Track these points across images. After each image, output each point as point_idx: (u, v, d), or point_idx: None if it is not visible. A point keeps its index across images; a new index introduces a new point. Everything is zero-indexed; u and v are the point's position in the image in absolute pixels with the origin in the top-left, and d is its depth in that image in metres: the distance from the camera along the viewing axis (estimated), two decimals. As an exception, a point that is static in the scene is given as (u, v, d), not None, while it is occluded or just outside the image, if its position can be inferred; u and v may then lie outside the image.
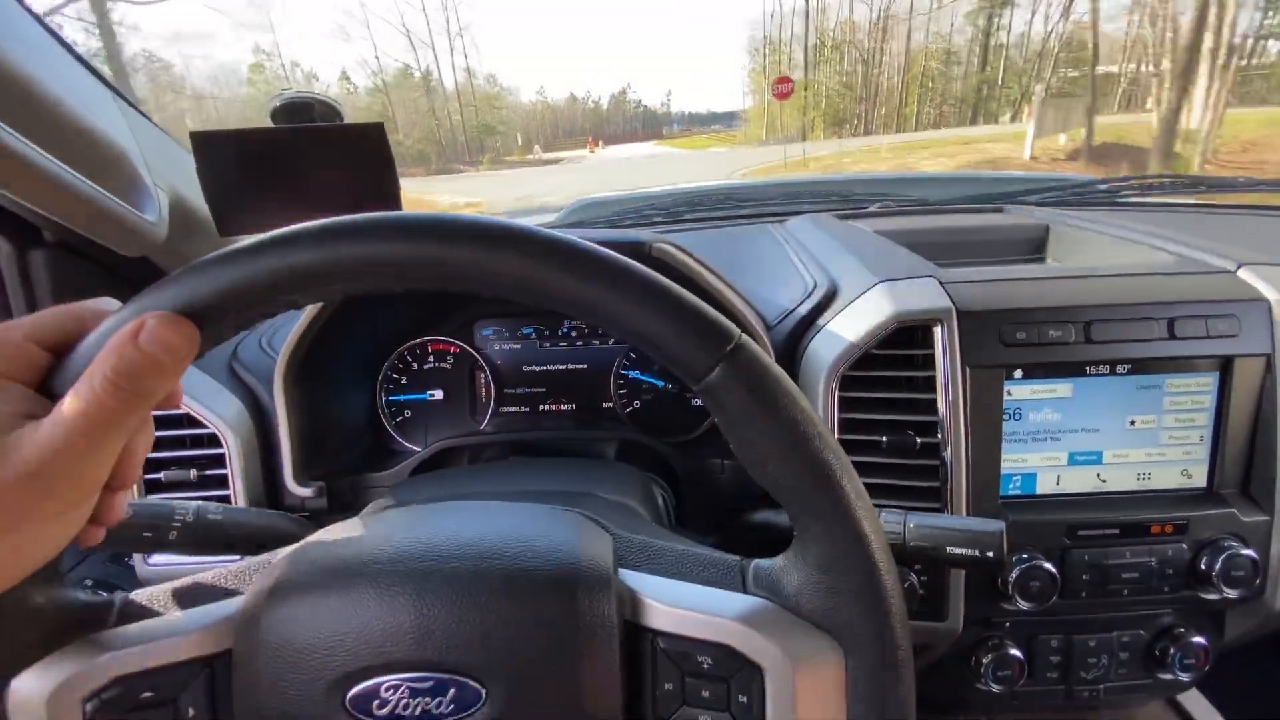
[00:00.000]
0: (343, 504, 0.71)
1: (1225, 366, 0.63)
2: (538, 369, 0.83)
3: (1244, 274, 0.65)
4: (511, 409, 0.83)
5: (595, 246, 0.31)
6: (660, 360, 0.33)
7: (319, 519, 0.72)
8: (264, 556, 0.39)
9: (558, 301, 0.32)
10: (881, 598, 0.32)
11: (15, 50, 0.49)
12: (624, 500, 0.53)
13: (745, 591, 0.36)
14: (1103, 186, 1.21)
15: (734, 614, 0.34)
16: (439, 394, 0.81)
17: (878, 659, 0.32)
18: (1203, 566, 0.62)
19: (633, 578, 0.36)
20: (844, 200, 1.17)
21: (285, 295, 0.31)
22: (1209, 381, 0.63)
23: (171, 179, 0.67)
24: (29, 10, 0.54)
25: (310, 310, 0.66)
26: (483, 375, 0.82)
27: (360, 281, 0.32)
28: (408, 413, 0.82)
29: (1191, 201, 1.14)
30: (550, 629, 0.33)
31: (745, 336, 0.32)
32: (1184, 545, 0.62)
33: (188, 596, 0.37)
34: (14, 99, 0.47)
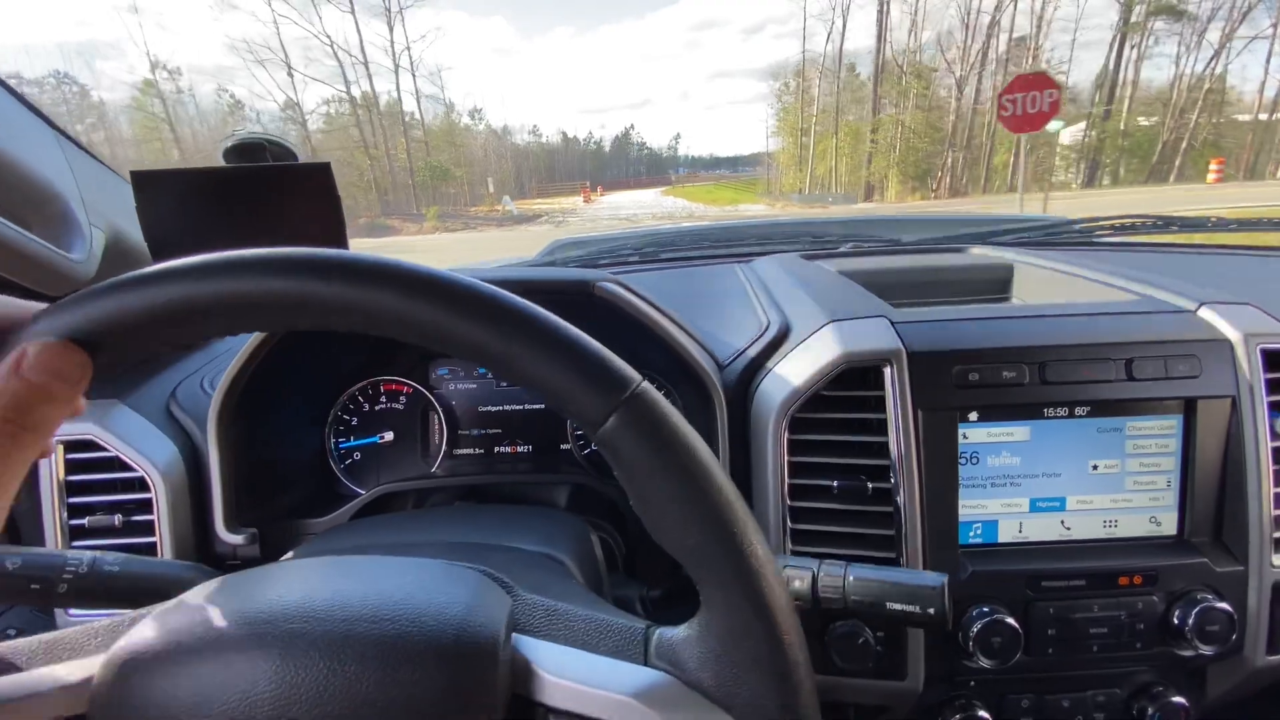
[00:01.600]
0: (278, 551, 0.68)
1: (1189, 408, 0.60)
2: (493, 410, 0.81)
3: (1205, 313, 0.63)
4: (465, 451, 0.81)
5: (483, 284, 0.30)
6: (559, 409, 0.31)
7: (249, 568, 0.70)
8: (138, 612, 0.36)
9: (445, 344, 0.30)
10: (787, 674, 0.30)
11: None
12: (552, 553, 0.50)
13: (646, 663, 0.33)
14: (1077, 226, 1.21)
15: (630, 689, 0.31)
16: (390, 436, 0.79)
17: None
18: (1175, 620, 0.58)
19: (528, 645, 0.33)
20: (816, 241, 1.17)
21: (166, 328, 0.30)
22: (1173, 424, 0.61)
23: (112, 216, 0.67)
24: None
25: (249, 347, 0.65)
26: (436, 416, 0.80)
27: (241, 320, 0.31)
28: (357, 455, 0.80)
29: (1164, 241, 1.14)
30: (424, 704, 0.30)
31: (646, 384, 0.30)
32: (1155, 597, 0.59)
33: (53, 651, 0.34)
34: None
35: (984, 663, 0.58)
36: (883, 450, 0.60)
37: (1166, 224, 1.16)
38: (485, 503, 0.76)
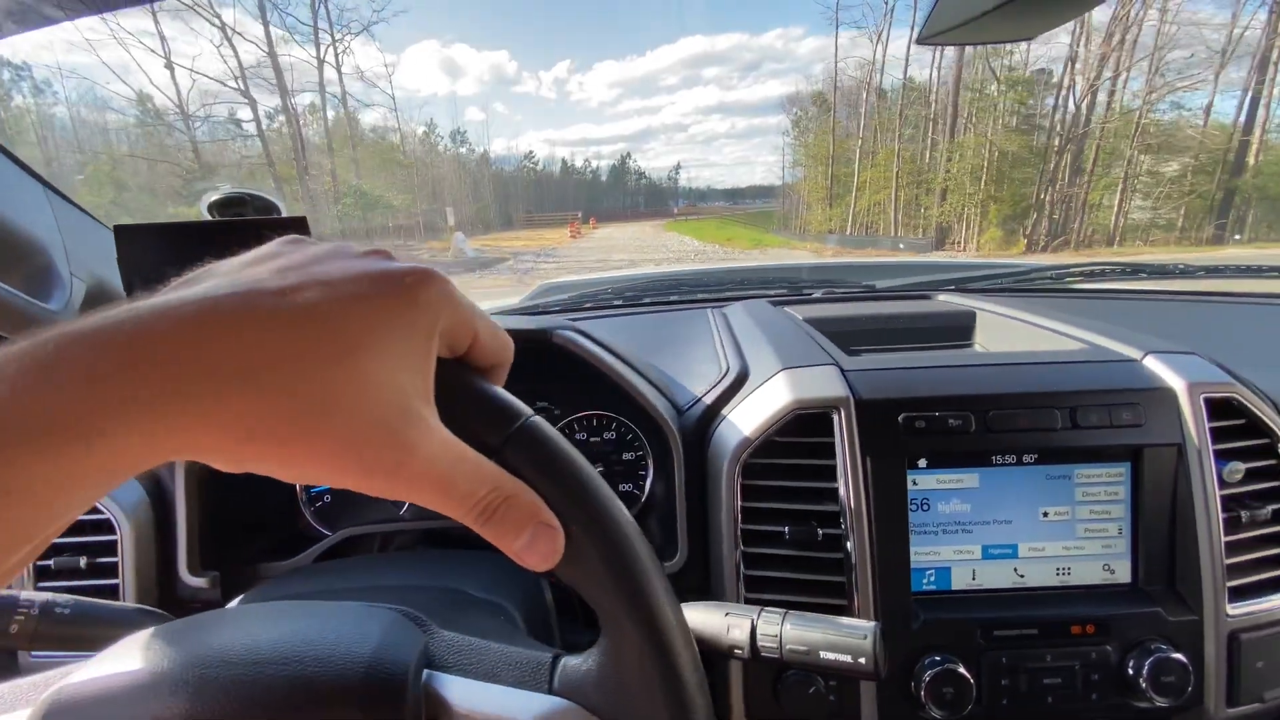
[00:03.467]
0: (238, 593, 0.69)
1: (1136, 456, 0.61)
2: None
3: (1150, 362, 0.65)
4: None
5: None
6: (476, 445, 0.32)
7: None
8: (69, 668, 0.37)
9: None
10: (683, 700, 0.30)
11: None
12: (496, 599, 0.51)
13: (551, 691, 0.34)
14: (1050, 273, 1.23)
15: (533, 718, 0.32)
16: None
17: None
18: (1130, 671, 0.58)
19: (441, 682, 0.34)
20: (791, 286, 1.20)
21: None
22: (1121, 472, 0.62)
23: (93, 265, 0.70)
24: None
25: None
26: None
27: None
28: (327, 499, 0.81)
29: (1134, 288, 1.16)
30: None
31: (536, 417, 0.32)
32: (1109, 647, 0.59)
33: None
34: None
35: (935, 714, 0.57)
36: (833, 496, 0.61)
37: (1135, 271, 1.18)
38: (448, 547, 0.77)
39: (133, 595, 0.65)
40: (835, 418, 0.61)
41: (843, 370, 0.65)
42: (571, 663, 0.35)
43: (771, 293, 1.15)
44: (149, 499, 0.68)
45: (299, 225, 0.71)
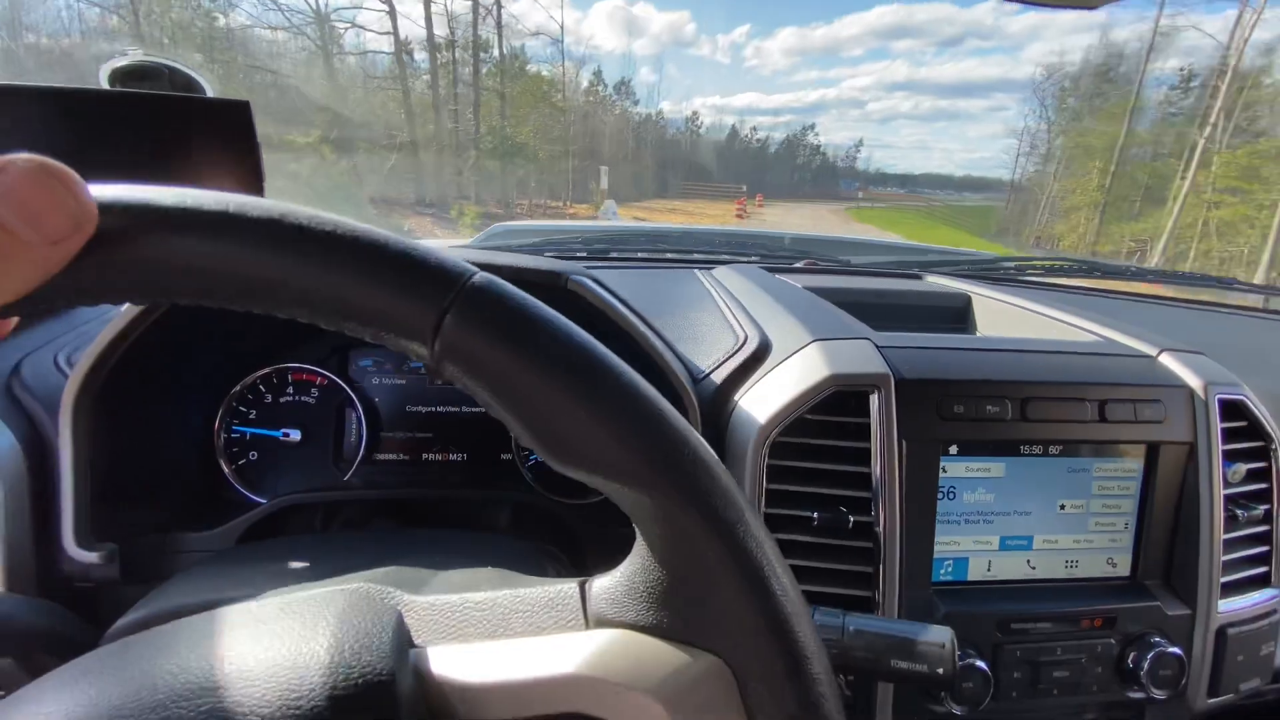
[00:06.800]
0: (142, 574, 0.55)
1: (1151, 453, 0.61)
2: (423, 410, 0.71)
3: (1165, 359, 0.64)
4: (387, 457, 0.70)
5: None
6: (382, 338, 0.23)
7: (106, 593, 0.56)
8: None
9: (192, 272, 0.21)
10: (762, 584, 0.24)
11: None
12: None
13: (588, 625, 0.26)
14: (1010, 265, 1.25)
15: (576, 665, 0.24)
16: (296, 435, 0.67)
17: (773, 662, 0.24)
18: (1130, 664, 0.58)
19: (438, 657, 0.25)
20: (769, 255, 1.14)
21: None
22: (1135, 468, 0.61)
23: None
24: None
25: (124, 318, 0.52)
26: (354, 414, 0.69)
27: None
28: (253, 454, 0.67)
29: (1090, 285, 1.20)
30: None
31: (483, 274, 0.23)
32: (1112, 640, 0.59)
33: None
34: None
35: (955, 710, 0.55)
36: (864, 481, 0.56)
37: (1091, 269, 1.22)
38: (408, 522, 0.66)
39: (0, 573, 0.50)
40: (874, 398, 0.56)
41: (877, 346, 0.60)
42: (603, 584, 0.27)
43: (755, 258, 1.09)
44: (22, 450, 0.52)
45: (239, 110, 0.56)
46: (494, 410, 0.23)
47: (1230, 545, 0.61)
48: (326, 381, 0.68)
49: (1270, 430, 0.63)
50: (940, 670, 0.40)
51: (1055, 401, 0.59)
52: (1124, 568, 0.62)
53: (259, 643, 0.24)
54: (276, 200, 0.22)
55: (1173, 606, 0.60)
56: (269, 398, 0.68)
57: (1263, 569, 0.63)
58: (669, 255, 1.12)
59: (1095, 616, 0.58)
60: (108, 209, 0.20)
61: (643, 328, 0.59)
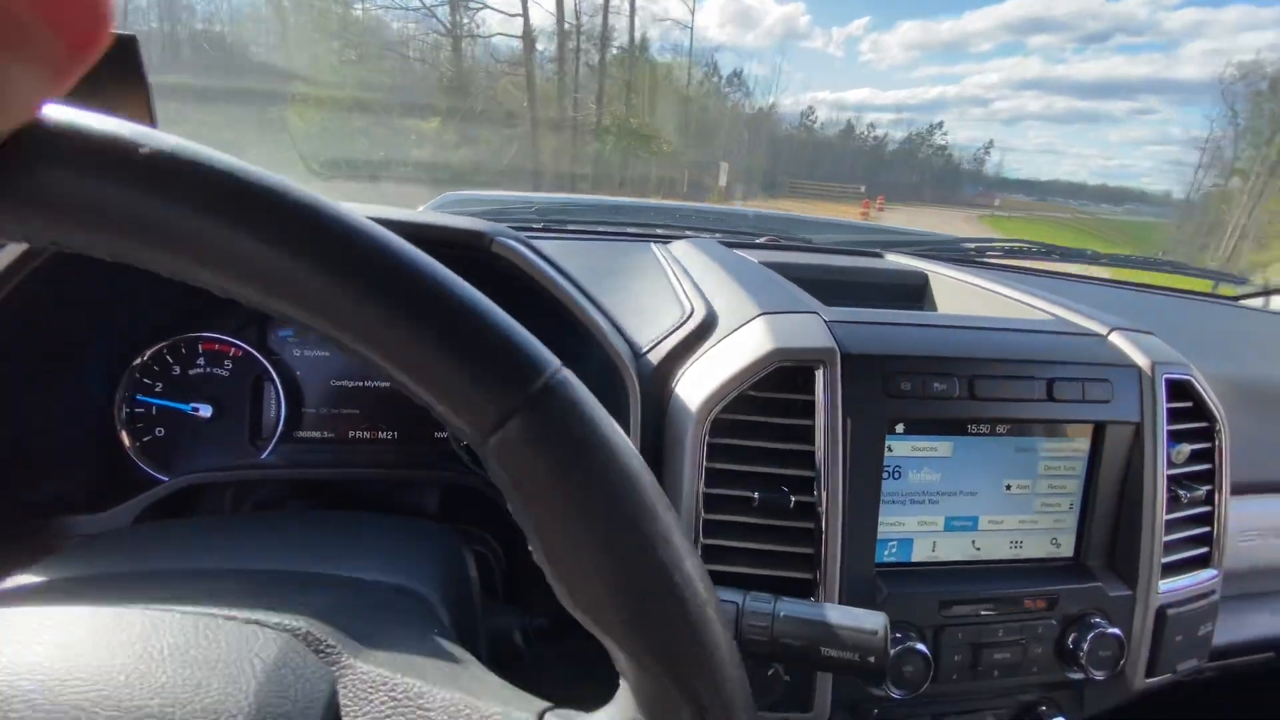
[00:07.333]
0: (20, 561, 0.50)
1: (1098, 432, 0.60)
2: (350, 385, 0.67)
3: (1115, 339, 0.63)
4: (308, 435, 0.66)
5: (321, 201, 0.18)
6: (430, 405, 0.20)
7: None
8: None
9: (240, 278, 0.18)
10: None
11: None
12: (409, 584, 0.38)
13: None
14: (969, 245, 1.25)
15: None
16: (206, 411, 0.62)
17: None
18: (1070, 644, 0.58)
19: None
20: (731, 231, 1.11)
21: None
22: (1082, 448, 0.60)
23: None
24: None
25: (5, 261, 0.46)
26: (272, 389, 0.64)
27: None
28: (160, 430, 0.62)
29: (1046, 268, 1.20)
30: None
31: (567, 371, 0.20)
32: (1053, 621, 0.58)
33: None
34: None
35: (894, 693, 0.53)
36: (807, 460, 0.54)
37: (1049, 252, 1.22)
38: (331, 504, 0.62)
39: None
40: (819, 374, 0.54)
41: (825, 320, 0.58)
42: None
43: (711, 234, 1.05)
44: None
45: (124, 45, 0.50)
46: (516, 514, 0.21)
47: (1172, 526, 0.61)
48: (241, 353, 0.63)
49: (1215, 411, 0.63)
50: (872, 659, 0.38)
51: (1003, 379, 0.57)
52: (1068, 548, 0.62)
53: (186, 665, 0.21)
54: (359, 215, 0.20)
55: (1114, 587, 0.59)
56: (177, 369, 0.62)
57: (1203, 550, 0.63)
58: (629, 229, 1.08)
59: (1037, 597, 0.58)
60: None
61: (580, 299, 0.56)
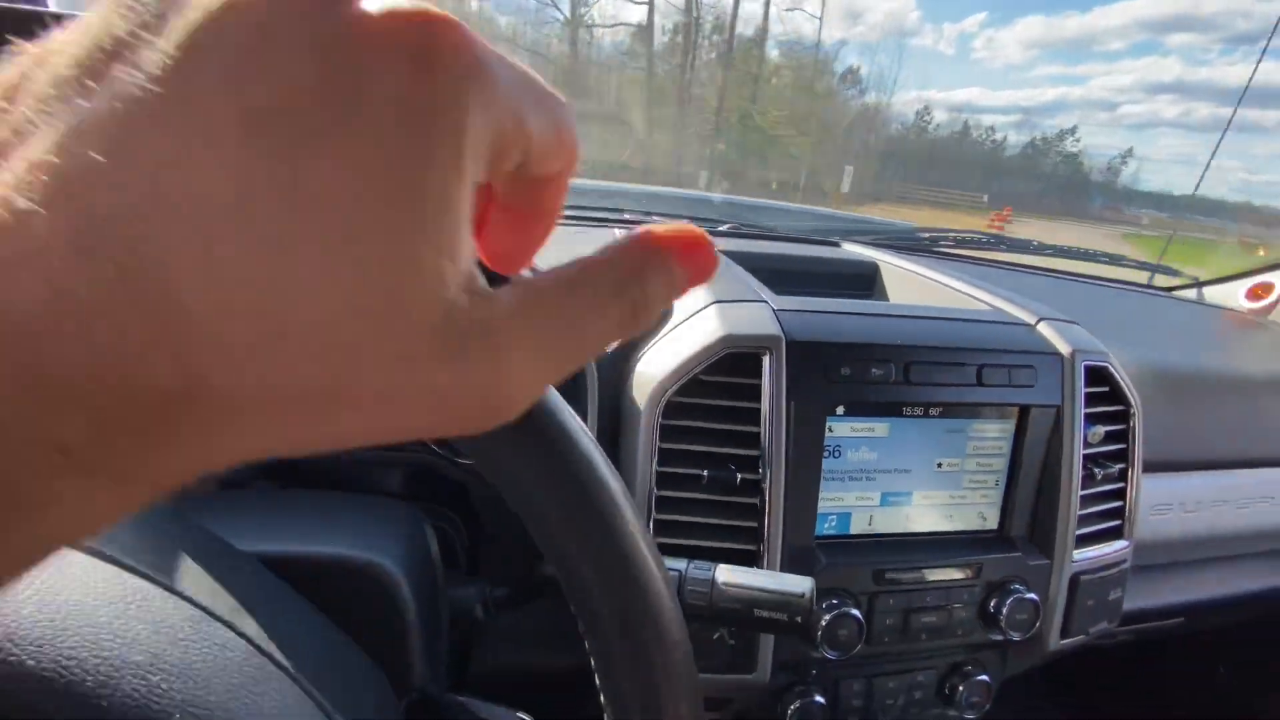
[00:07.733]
0: None
1: (1023, 415, 0.65)
2: None
3: (1043, 328, 0.68)
4: None
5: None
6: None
7: None
8: None
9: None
10: None
11: None
12: (374, 559, 0.41)
13: None
14: (924, 235, 1.29)
15: None
16: None
17: None
18: (991, 609, 0.63)
19: None
20: (696, 218, 1.14)
21: None
22: (1008, 428, 0.65)
23: None
24: None
25: None
26: None
27: None
28: None
29: (994, 257, 1.26)
30: None
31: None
32: (977, 588, 0.63)
33: None
34: None
35: (829, 654, 0.58)
36: (753, 440, 0.58)
37: (996, 243, 1.28)
38: (293, 481, 0.63)
39: None
40: (765, 359, 0.57)
41: (774, 309, 0.61)
42: None
43: (681, 220, 1.08)
44: None
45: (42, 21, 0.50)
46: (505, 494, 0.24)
47: (1087, 501, 0.66)
48: None
49: (1129, 395, 0.68)
50: (799, 619, 0.42)
51: (936, 365, 0.61)
52: (993, 522, 0.67)
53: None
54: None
55: (1033, 557, 0.65)
56: None
57: (1116, 523, 0.69)
58: (593, 214, 1.10)
59: (964, 567, 0.62)
60: None
61: None
